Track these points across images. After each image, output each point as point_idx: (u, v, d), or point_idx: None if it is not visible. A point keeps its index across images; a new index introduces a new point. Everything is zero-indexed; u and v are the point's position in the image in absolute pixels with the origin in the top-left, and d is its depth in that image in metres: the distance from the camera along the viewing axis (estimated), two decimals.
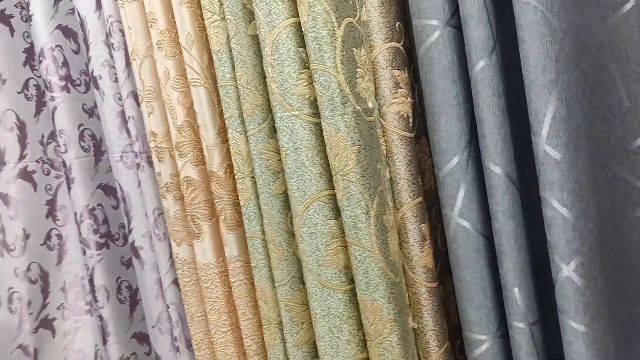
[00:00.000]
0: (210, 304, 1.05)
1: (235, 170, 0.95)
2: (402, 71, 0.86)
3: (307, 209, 0.86)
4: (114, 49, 1.13)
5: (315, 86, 0.82)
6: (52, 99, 1.24)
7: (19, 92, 1.30)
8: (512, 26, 0.78)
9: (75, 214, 1.27)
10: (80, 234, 1.28)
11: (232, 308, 1.05)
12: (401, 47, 0.85)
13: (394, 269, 0.86)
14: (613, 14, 0.74)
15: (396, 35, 0.85)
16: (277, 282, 0.93)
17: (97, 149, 1.29)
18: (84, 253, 1.29)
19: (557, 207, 0.74)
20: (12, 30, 1.28)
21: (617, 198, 0.78)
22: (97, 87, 1.19)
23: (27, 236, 1.30)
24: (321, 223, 0.86)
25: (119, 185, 1.22)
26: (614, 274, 0.79)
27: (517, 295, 0.80)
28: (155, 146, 1.07)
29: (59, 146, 1.25)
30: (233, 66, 0.91)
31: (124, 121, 1.19)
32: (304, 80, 0.84)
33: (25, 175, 1.31)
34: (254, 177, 0.93)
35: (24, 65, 1.30)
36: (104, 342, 1.31)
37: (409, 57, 0.89)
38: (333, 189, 0.86)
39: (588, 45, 0.74)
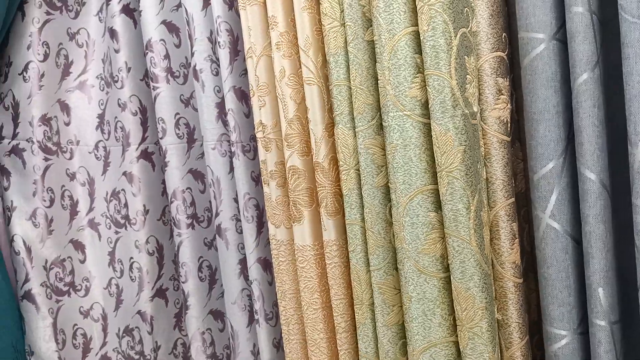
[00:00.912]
0: (304, 282, 1.10)
1: (340, 162, 1.01)
2: (505, 79, 0.90)
3: (411, 200, 0.92)
4: (219, 47, 1.18)
5: (428, 89, 0.87)
6: (154, 88, 1.29)
7: (141, 80, 1.35)
8: (614, 41, 0.81)
9: (168, 194, 1.33)
10: (170, 212, 1.34)
11: (324, 288, 1.10)
12: (505, 57, 0.90)
13: (487, 261, 0.90)
14: None
15: (502, 46, 0.89)
16: (373, 266, 0.99)
17: (190, 137, 1.34)
18: (172, 231, 1.35)
19: None
20: (135, 23, 1.33)
21: None
22: (197, 79, 1.23)
23: (146, 212, 1.36)
24: (422, 214, 0.92)
25: (211, 171, 1.26)
26: None
27: (601, 295, 0.83)
28: (264, 136, 1.12)
29: (158, 132, 1.31)
30: (347, 68, 0.97)
31: (221, 112, 1.24)
32: (417, 84, 0.89)
33: (146, 156, 1.37)
34: (358, 170, 0.99)
35: (145, 55, 1.34)
36: (184, 314, 1.36)
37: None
38: (436, 184, 0.91)
39: None
